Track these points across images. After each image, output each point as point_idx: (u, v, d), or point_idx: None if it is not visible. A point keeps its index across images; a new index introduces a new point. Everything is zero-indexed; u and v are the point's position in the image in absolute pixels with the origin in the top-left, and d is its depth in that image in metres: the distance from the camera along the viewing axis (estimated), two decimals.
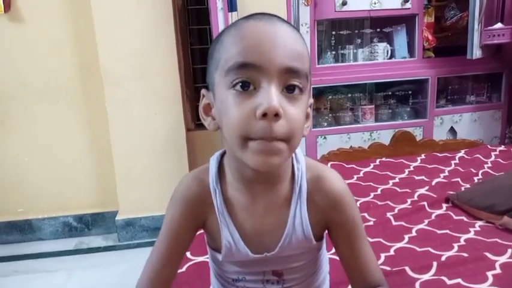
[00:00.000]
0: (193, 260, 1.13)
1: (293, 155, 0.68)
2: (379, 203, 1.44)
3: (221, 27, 1.96)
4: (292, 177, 0.68)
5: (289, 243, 0.67)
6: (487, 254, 1.06)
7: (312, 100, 0.66)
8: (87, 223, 2.38)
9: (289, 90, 0.57)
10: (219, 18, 1.96)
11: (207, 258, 1.10)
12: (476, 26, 2.01)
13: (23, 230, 2.34)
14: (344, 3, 2.02)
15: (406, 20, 2.16)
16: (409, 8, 2.08)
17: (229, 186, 0.68)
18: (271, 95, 0.54)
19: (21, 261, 2.15)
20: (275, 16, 0.59)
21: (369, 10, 2.05)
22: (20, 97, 2.22)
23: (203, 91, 0.66)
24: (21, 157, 2.28)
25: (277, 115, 0.54)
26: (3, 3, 2.06)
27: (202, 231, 0.73)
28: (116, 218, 2.28)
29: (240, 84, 0.56)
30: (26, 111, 2.24)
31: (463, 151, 1.85)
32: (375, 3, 2.05)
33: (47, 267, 2.07)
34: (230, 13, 1.98)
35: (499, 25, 2.04)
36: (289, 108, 0.56)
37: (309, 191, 0.67)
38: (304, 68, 0.58)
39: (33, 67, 2.20)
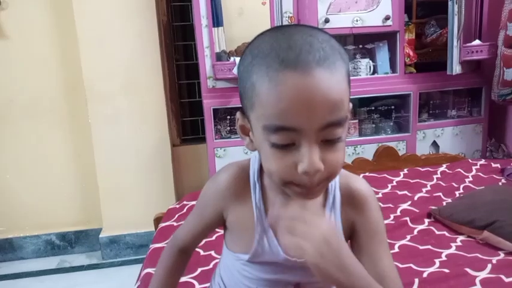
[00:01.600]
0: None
1: None
2: None
3: (206, 43, 1.98)
4: (327, 187, 0.68)
5: None
6: (467, 269, 1.08)
7: (351, 105, 0.62)
8: (70, 241, 2.34)
9: (328, 140, 0.56)
10: (204, 34, 1.98)
11: (190, 278, 1.09)
12: (455, 43, 2.06)
13: (4, 249, 2.29)
14: (327, 21, 2.05)
15: (388, 37, 2.20)
16: (390, 25, 2.12)
17: (268, 185, 0.69)
18: (311, 155, 0.54)
19: (2, 282, 2.10)
20: (311, 50, 0.53)
21: (351, 27, 2.09)
22: (4, 114, 2.20)
23: (238, 114, 0.64)
24: (3, 174, 2.25)
25: (318, 171, 0.55)
26: None
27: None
28: (100, 236, 2.25)
29: (279, 146, 0.55)
30: (9, 128, 2.21)
31: (444, 165, 1.88)
32: (357, 21, 2.08)
33: (28, 287, 2.03)
34: (215, 28, 2.00)
35: (477, 42, 2.10)
36: (330, 156, 0.56)
37: (342, 201, 0.68)
38: (343, 114, 0.55)
39: (17, 84, 2.18)
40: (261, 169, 0.69)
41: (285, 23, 2.05)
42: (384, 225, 0.70)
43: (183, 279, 1.11)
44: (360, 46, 2.24)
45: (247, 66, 0.57)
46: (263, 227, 0.68)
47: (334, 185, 0.69)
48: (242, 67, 0.59)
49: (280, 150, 0.56)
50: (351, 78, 2.14)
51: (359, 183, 0.70)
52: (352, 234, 0.70)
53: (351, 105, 0.62)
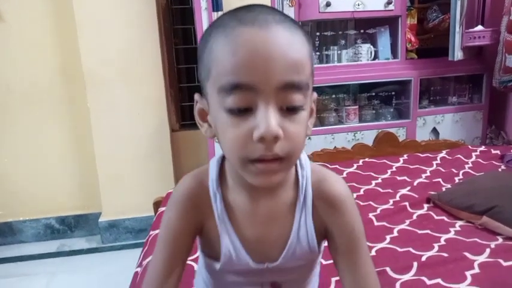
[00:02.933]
0: None
1: (297, 161, 0.64)
2: (362, 203, 1.45)
3: (205, 27, 1.96)
4: (297, 184, 0.64)
5: (293, 254, 0.64)
6: (466, 254, 1.08)
7: (315, 95, 0.61)
8: (69, 225, 2.35)
9: (288, 109, 0.52)
10: (203, 18, 1.96)
11: (190, 261, 1.10)
12: (457, 29, 2.04)
13: (3, 232, 2.30)
14: (328, 4, 2.03)
15: (389, 22, 2.18)
16: (392, 10, 2.10)
17: (230, 190, 0.63)
18: (268, 118, 0.50)
19: (1, 265, 2.11)
20: (270, 12, 0.52)
21: (353, 11, 2.06)
22: (2, 100, 2.18)
23: (196, 96, 0.60)
24: (2, 158, 2.24)
25: (276, 138, 0.51)
26: None
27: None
28: (99, 220, 2.25)
29: (234, 110, 0.52)
30: (8, 114, 2.20)
31: (444, 151, 1.87)
32: (358, 5, 2.06)
33: (27, 270, 2.04)
34: (215, 13, 1.97)
35: (479, 27, 2.08)
36: (290, 126, 0.52)
37: (313, 198, 0.63)
38: (304, 78, 0.52)
39: (16, 71, 2.16)
40: (221, 174, 0.64)
41: (286, 6, 2.02)
42: (363, 228, 0.65)
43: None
44: (361, 31, 2.22)
45: (206, 37, 0.55)
46: (230, 237, 0.63)
47: (306, 182, 0.63)
48: (201, 42, 0.56)
49: (236, 116, 0.51)
50: (351, 63, 2.11)
51: (333, 181, 0.64)
52: (328, 236, 0.65)
53: (315, 94, 0.60)
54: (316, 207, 0.63)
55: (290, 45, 0.51)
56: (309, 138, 2.15)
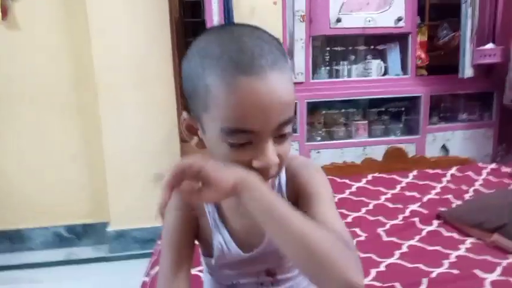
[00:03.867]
0: None
1: None
2: (371, 218, 1.44)
3: None
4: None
5: None
6: (476, 271, 1.07)
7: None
8: (78, 234, 2.36)
9: (280, 136, 0.59)
10: None
11: (198, 271, 1.10)
12: (468, 46, 2.05)
13: (13, 239, 2.31)
14: (338, 20, 2.05)
15: (400, 38, 2.20)
16: (402, 27, 2.12)
17: None
18: (268, 153, 0.57)
19: (10, 271, 2.12)
20: (261, 52, 0.55)
21: (363, 28, 2.09)
22: (14, 105, 2.21)
23: (184, 115, 0.65)
24: (13, 166, 2.27)
25: (273, 166, 0.58)
26: (1, 11, 2.07)
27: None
28: (107, 229, 2.26)
29: (234, 145, 0.57)
30: (19, 119, 2.23)
31: (454, 168, 1.86)
32: (369, 21, 2.08)
33: (35, 277, 2.05)
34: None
35: (490, 45, 2.08)
36: (280, 149, 0.59)
37: (287, 180, 0.70)
38: (292, 111, 0.59)
39: (28, 75, 2.20)
40: None
41: (297, 22, 2.05)
42: (328, 188, 0.68)
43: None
44: (371, 47, 2.24)
45: (197, 68, 0.58)
46: (220, 232, 0.69)
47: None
48: (189, 68, 0.60)
49: (237, 148, 0.57)
50: (361, 78, 2.13)
51: (297, 158, 0.72)
52: (296, 202, 0.67)
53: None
54: (289, 186, 0.70)
55: (283, 90, 0.56)
56: (318, 152, 2.16)
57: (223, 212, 0.70)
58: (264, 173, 0.58)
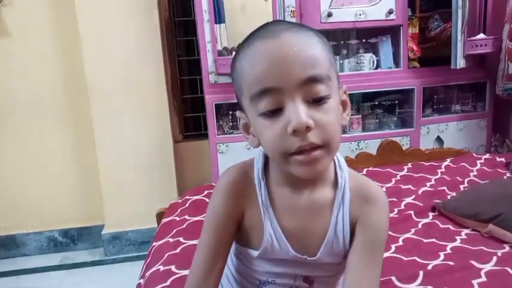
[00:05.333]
0: (178, 273, 1.11)
1: (336, 161, 0.70)
2: None
3: (208, 38, 1.97)
4: (335, 184, 0.69)
5: (331, 249, 0.68)
6: (473, 262, 1.06)
7: (345, 87, 0.67)
8: (72, 238, 2.34)
9: (315, 100, 0.57)
10: (206, 30, 1.97)
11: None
12: (459, 37, 2.04)
13: (7, 245, 2.29)
14: (329, 15, 2.04)
15: (391, 31, 2.18)
16: (393, 19, 2.10)
17: (274, 181, 0.68)
18: (297, 111, 0.56)
19: (5, 278, 2.10)
20: (280, 24, 0.60)
21: (354, 21, 2.07)
22: (6, 111, 2.20)
23: (238, 113, 0.67)
24: (5, 171, 2.25)
25: (308, 128, 0.56)
26: None
27: None
28: (102, 232, 2.24)
29: (266, 113, 0.58)
30: (11, 126, 2.21)
31: (448, 160, 1.86)
32: (360, 15, 2.07)
33: (31, 283, 2.03)
34: (217, 25, 1.99)
35: (481, 36, 2.08)
36: (320, 116, 0.57)
37: (351, 198, 0.68)
38: (322, 70, 0.58)
39: (19, 82, 2.18)
40: (265, 167, 0.69)
41: (287, 17, 2.03)
42: (386, 238, 0.68)
43: (175, 270, 1.10)
44: (363, 40, 2.22)
45: (233, 63, 0.63)
46: (272, 225, 0.67)
47: (344, 183, 0.68)
48: (231, 69, 0.65)
49: (270, 118, 0.58)
50: (354, 72, 2.12)
51: (373, 186, 0.70)
52: (353, 233, 0.68)
53: (344, 87, 0.66)
54: (353, 205, 0.67)
55: (300, 45, 0.57)
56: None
57: (276, 205, 0.68)
58: (302, 143, 0.56)
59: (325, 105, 0.58)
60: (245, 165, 0.71)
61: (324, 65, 0.59)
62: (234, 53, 1.96)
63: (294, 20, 2.03)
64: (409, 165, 1.84)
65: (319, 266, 0.69)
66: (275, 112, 0.57)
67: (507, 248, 1.14)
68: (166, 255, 1.20)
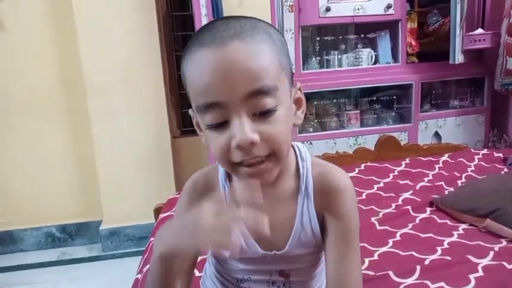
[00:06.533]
0: None
1: (297, 152, 0.69)
2: (364, 207, 1.43)
3: None
4: (298, 175, 0.68)
5: (299, 241, 0.67)
6: (470, 257, 1.07)
7: (299, 84, 0.65)
8: (70, 233, 2.34)
9: (262, 113, 0.56)
10: (203, 24, 1.95)
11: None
12: (458, 32, 2.03)
13: (4, 241, 2.29)
14: (328, 9, 2.03)
15: (390, 26, 2.18)
16: (392, 14, 2.10)
17: (236, 183, 0.68)
18: (242, 126, 0.54)
19: (2, 274, 2.10)
20: (227, 28, 0.55)
21: (353, 16, 2.06)
22: (2, 107, 2.18)
23: (190, 112, 0.66)
24: (2, 167, 2.24)
25: (252, 143, 0.55)
26: None
27: None
28: (100, 228, 2.24)
29: (212, 125, 0.57)
30: (8, 121, 2.20)
31: (446, 155, 1.86)
32: (358, 9, 2.06)
33: (29, 279, 2.03)
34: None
35: (479, 31, 2.07)
36: (266, 129, 0.56)
37: (315, 187, 0.67)
38: (268, 82, 0.55)
39: (16, 77, 2.17)
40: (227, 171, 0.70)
41: (286, 12, 2.03)
42: (358, 224, 0.67)
43: None
44: (362, 35, 2.22)
45: (181, 63, 0.60)
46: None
47: (306, 172, 0.67)
48: (181, 65, 0.61)
49: (216, 130, 0.57)
50: (352, 68, 2.10)
51: (335, 173, 0.68)
52: (324, 225, 0.67)
53: (298, 84, 0.64)
54: (317, 196, 0.67)
55: (245, 56, 0.54)
56: (310, 143, 2.14)
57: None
58: (246, 156, 0.56)
59: (272, 116, 0.56)
60: (209, 169, 0.73)
61: (272, 75, 0.56)
62: None
63: (292, 15, 2.02)
64: (407, 160, 1.84)
65: (291, 258, 0.69)
66: (221, 124, 0.56)
67: (504, 243, 1.15)
68: None
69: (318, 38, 2.19)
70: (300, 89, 0.65)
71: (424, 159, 1.85)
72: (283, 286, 0.72)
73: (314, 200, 0.67)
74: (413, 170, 1.74)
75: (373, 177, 1.69)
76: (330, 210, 0.66)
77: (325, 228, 0.67)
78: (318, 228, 0.67)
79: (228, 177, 0.70)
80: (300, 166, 0.68)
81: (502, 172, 1.67)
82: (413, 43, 2.18)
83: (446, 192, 1.51)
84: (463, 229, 1.26)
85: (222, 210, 0.53)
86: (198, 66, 0.55)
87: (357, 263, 0.66)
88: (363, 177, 1.70)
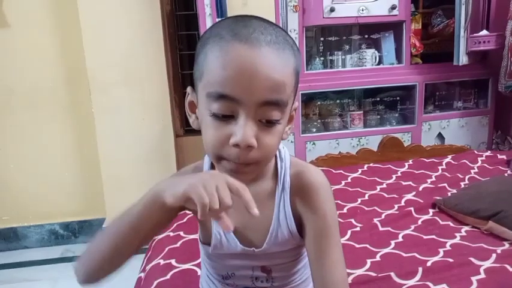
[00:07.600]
0: (178, 267, 1.12)
1: (277, 153, 0.70)
2: (367, 208, 1.44)
3: None
4: (276, 175, 0.70)
5: (276, 239, 0.69)
6: (472, 259, 1.06)
7: (296, 104, 0.67)
8: (73, 231, 2.35)
9: (267, 122, 0.58)
10: (208, 24, 1.96)
11: (192, 265, 1.10)
12: (462, 33, 2.03)
13: (8, 238, 2.30)
14: (332, 10, 2.03)
15: (394, 27, 2.17)
16: (396, 15, 2.09)
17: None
18: (246, 128, 0.56)
19: (5, 270, 2.11)
20: (264, 31, 0.56)
21: (357, 17, 2.06)
22: (6, 104, 2.19)
23: (189, 89, 0.66)
24: (6, 164, 2.25)
25: (249, 147, 0.57)
26: None
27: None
28: (103, 225, 2.25)
29: (217, 115, 0.57)
30: (11, 118, 2.21)
31: (449, 156, 1.86)
32: (362, 10, 2.06)
33: (31, 276, 2.04)
34: (219, 19, 1.98)
35: (484, 32, 2.06)
36: (265, 138, 0.58)
37: (292, 186, 0.69)
38: (284, 97, 0.58)
39: (19, 74, 2.17)
40: (213, 166, 0.70)
41: (290, 12, 2.03)
42: (336, 219, 0.68)
43: (175, 264, 1.11)
44: (366, 36, 2.21)
45: (204, 40, 0.60)
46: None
47: (284, 171, 0.69)
48: (199, 42, 0.62)
49: (219, 120, 0.57)
50: (356, 68, 2.10)
51: (311, 172, 0.69)
52: (302, 223, 0.69)
53: (296, 104, 0.66)
54: (294, 195, 0.69)
55: (275, 67, 0.56)
56: (313, 143, 2.15)
57: None
58: (238, 156, 0.57)
59: (274, 128, 0.59)
60: (195, 165, 0.74)
61: (289, 91, 0.59)
62: None
63: (296, 15, 2.03)
64: (410, 161, 1.84)
65: (271, 255, 0.71)
66: (226, 117, 0.57)
67: (507, 245, 1.15)
68: (167, 249, 1.21)
69: (322, 39, 2.19)
70: (295, 109, 0.68)
71: (427, 160, 1.85)
72: (266, 282, 0.74)
73: (290, 198, 0.69)
74: (416, 171, 1.74)
75: (376, 178, 1.69)
76: (306, 207, 0.67)
77: (303, 227, 0.68)
78: (294, 226, 0.69)
79: (213, 168, 0.71)
80: (279, 166, 0.70)
81: (506, 174, 1.66)
82: (418, 44, 2.18)
83: (449, 193, 1.51)
84: (465, 231, 1.26)
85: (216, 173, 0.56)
86: (226, 57, 0.55)
87: (338, 258, 0.67)
88: (366, 178, 1.70)
